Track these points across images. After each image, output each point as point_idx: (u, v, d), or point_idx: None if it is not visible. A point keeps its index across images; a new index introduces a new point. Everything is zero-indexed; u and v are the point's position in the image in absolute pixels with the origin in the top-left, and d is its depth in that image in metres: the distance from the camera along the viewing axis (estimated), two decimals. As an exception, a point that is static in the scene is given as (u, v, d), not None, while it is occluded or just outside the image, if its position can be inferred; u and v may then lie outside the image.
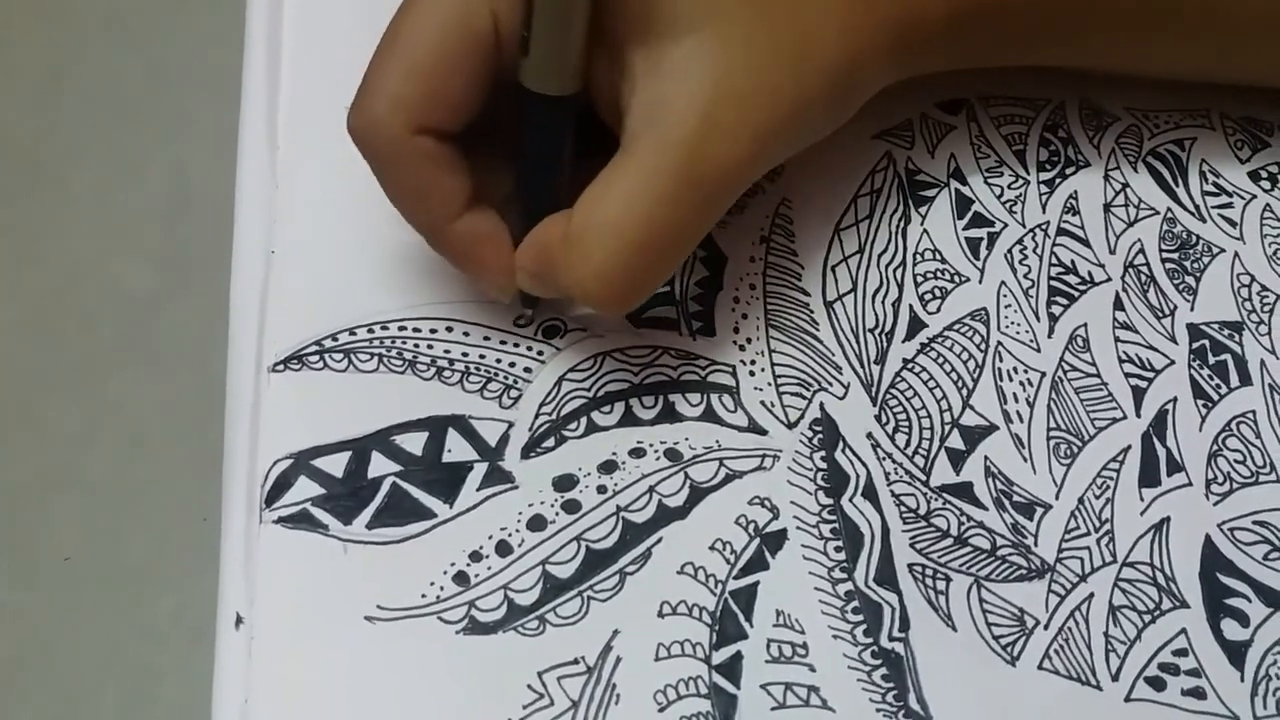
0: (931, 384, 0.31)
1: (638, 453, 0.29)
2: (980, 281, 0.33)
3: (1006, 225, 0.34)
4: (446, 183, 0.27)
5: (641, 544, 0.28)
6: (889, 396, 0.31)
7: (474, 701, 0.26)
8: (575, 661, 0.27)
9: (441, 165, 0.27)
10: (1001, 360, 0.32)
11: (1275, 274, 0.34)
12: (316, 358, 0.30)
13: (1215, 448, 0.31)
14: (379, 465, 0.28)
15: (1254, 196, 0.35)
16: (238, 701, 0.26)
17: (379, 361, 0.30)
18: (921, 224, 0.33)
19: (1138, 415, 0.31)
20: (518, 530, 0.28)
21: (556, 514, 0.28)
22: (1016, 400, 0.31)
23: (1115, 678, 0.28)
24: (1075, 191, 0.34)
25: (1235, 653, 0.28)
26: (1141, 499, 0.30)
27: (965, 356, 0.32)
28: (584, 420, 0.29)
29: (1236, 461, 0.31)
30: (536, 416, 0.29)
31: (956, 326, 0.32)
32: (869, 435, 0.30)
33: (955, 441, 0.30)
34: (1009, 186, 0.34)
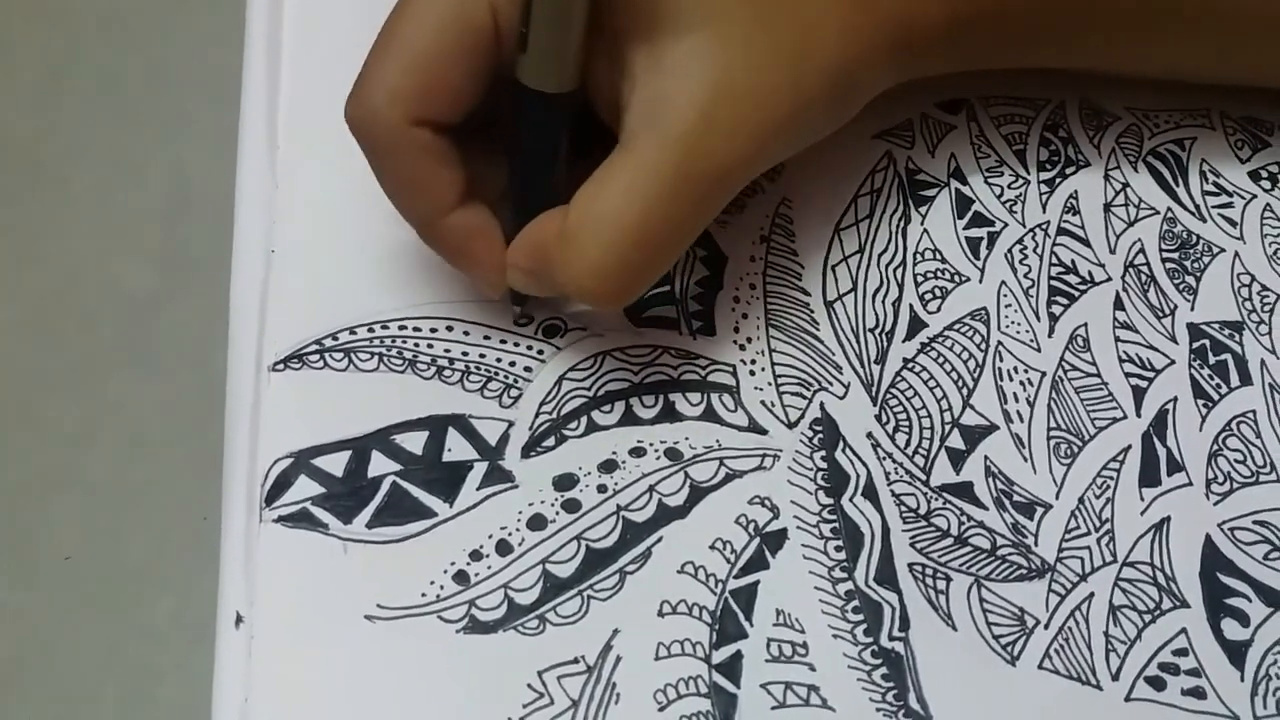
0: (932, 384, 0.31)
1: (638, 452, 0.29)
2: (980, 281, 0.33)
3: (1007, 225, 0.34)
4: (441, 175, 0.27)
5: (642, 543, 0.28)
6: (889, 396, 0.31)
7: (474, 700, 0.26)
8: (575, 661, 0.27)
9: (437, 158, 0.27)
10: (1002, 360, 0.32)
11: (1275, 274, 0.34)
12: (316, 357, 0.30)
13: (1215, 447, 0.31)
14: (379, 464, 0.28)
15: (1254, 196, 0.35)
16: (238, 700, 0.26)
17: (379, 361, 0.30)
18: (922, 224, 0.33)
19: (1138, 415, 0.31)
20: (518, 529, 0.28)
21: (557, 513, 0.28)
22: (1017, 400, 0.31)
23: (1115, 677, 0.28)
24: (1075, 191, 0.34)
25: (1235, 652, 0.28)
26: (1142, 499, 0.30)
27: (965, 356, 0.32)
28: (584, 419, 0.29)
29: (1237, 461, 0.31)
30: (537, 416, 0.29)
31: (957, 326, 0.32)
32: (869, 435, 0.30)
33: (955, 441, 0.30)
34: (1009, 186, 0.34)
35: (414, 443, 0.29)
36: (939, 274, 0.33)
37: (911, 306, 0.32)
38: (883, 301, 0.32)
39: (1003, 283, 0.33)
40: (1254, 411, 0.32)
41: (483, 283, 0.29)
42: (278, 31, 0.34)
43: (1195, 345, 0.32)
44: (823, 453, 0.30)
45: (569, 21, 0.26)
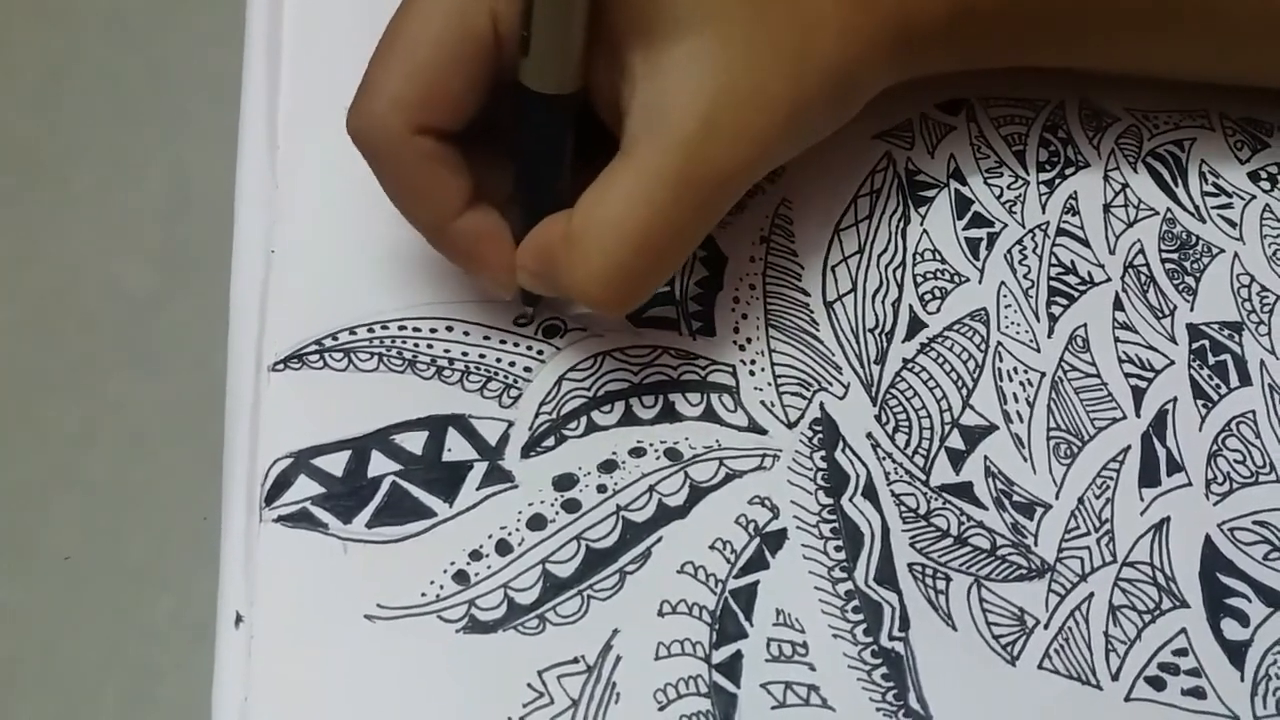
0: (931, 384, 0.31)
1: (638, 452, 0.29)
2: (980, 282, 0.33)
3: (1006, 225, 0.34)
4: (447, 182, 0.27)
5: (641, 543, 0.28)
6: (889, 396, 0.31)
7: (474, 700, 0.26)
8: (575, 660, 0.27)
9: (442, 164, 0.27)
10: (1001, 360, 0.32)
11: (1275, 274, 0.34)
12: (316, 357, 0.30)
13: (1215, 448, 0.31)
14: (379, 464, 0.28)
15: (1254, 197, 0.35)
16: (237, 700, 0.26)
17: (379, 361, 0.30)
18: (921, 224, 0.33)
19: (1137, 415, 0.31)
20: (518, 529, 0.28)
21: (556, 513, 0.28)
22: (1016, 400, 0.31)
23: (1115, 677, 0.28)
24: (1075, 192, 0.34)
25: (1235, 652, 0.29)
26: (1141, 499, 0.30)
27: (965, 356, 0.32)
28: (584, 420, 0.29)
29: (1236, 461, 0.31)
30: (536, 416, 0.29)
31: (956, 326, 0.32)
32: (869, 435, 0.30)
33: (955, 441, 0.30)
34: (1009, 187, 0.34)
35: (414, 443, 0.29)
36: (938, 274, 0.33)
37: (911, 307, 0.32)
38: (882, 302, 0.32)
39: (1002, 283, 0.33)
40: (1253, 412, 0.32)
41: (494, 284, 0.29)
42: (278, 31, 0.34)
43: (1195, 346, 0.32)
44: (822, 453, 0.30)
45: (570, 23, 0.26)
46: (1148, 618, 0.29)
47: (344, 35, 0.33)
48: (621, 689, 0.27)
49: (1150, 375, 0.32)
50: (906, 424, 0.30)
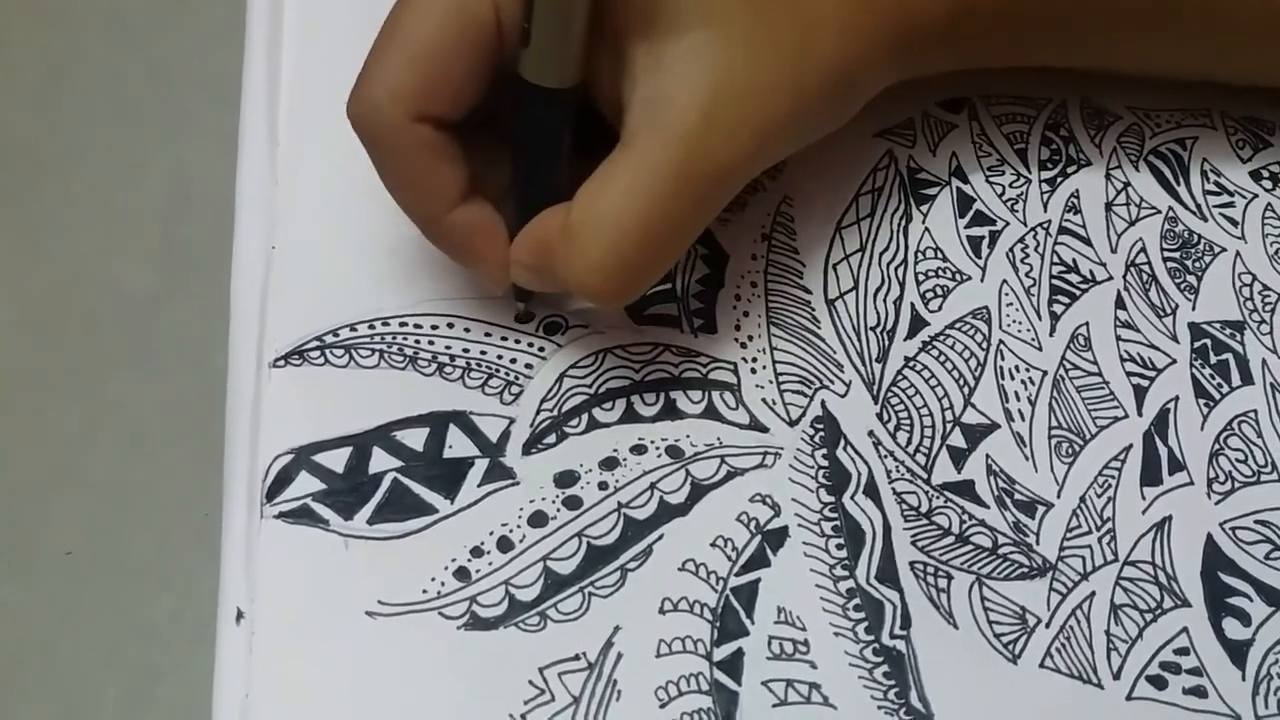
0: (933, 382, 0.31)
1: (639, 449, 0.29)
2: (982, 280, 0.33)
3: (1008, 224, 0.34)
4: (444, 172, 0.27)
5: (643, 540, 0.28)
6: (890, 394, 0.31)
7: (475, 697, 0.26)
8: (576, 657, 0.27)
9: (439, 154, 0.27)
10: (1003, 359, 0.32)
11: (1276, 273, 0.34)
12: (318, 353, 0.30)
13: (1217, 447, 0.31)
14: (380, 461, 0.28)
15: (1255, 196, 0.35)
16: (238, 697, 0.26)
17: (380, 357, 0.30)
18: (923, 222, 0.33)
19: (1139, 414, 0.31)
20: (519, 526, 0.28)
21: (558, 510, 0.28)
22: (1018, 399, 0.31)
23: (1116, 676, 0.28)
24: (1077, 190, 0.34)
25: (1237, 652, 0.28)
26: (1143, 498, 0.30)
27: (967, 355, 0.32)
28: (585, 417, 0.29)
29: (1238, 460, 0.31)
30: (538, 413, 0.29)
31: (958, 325, 0.32)
32: (870, 433, 0.30)
33: (957, 440, 0.30)
34: (1010, 185, 0.34)
35: (415, 439, 0.29)
36: (940, 272, 0.33)
37: (913, 305, 0.32)
38: (884, 300, 0.32)
39: (1004, 281, 0.33)
40: (1255, 411, 0.32)
41: (487, 278, 0.29)
42: (278, 30, 0.34)
43: (1196, 344, 0.32)
44: (824, 451, 0.30)
45: (571, 17, 0.26)
46: (1149, 617, 0.29)
47: (345, 33, 0.33)
48: (623, 686, 0.27)
49: (1152, 374, 0.32)
50: (908, 422, 0.30)
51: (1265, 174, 0.35)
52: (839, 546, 0.29)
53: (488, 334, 0.30)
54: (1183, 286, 0.33)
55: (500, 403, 0.29)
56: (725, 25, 0.27)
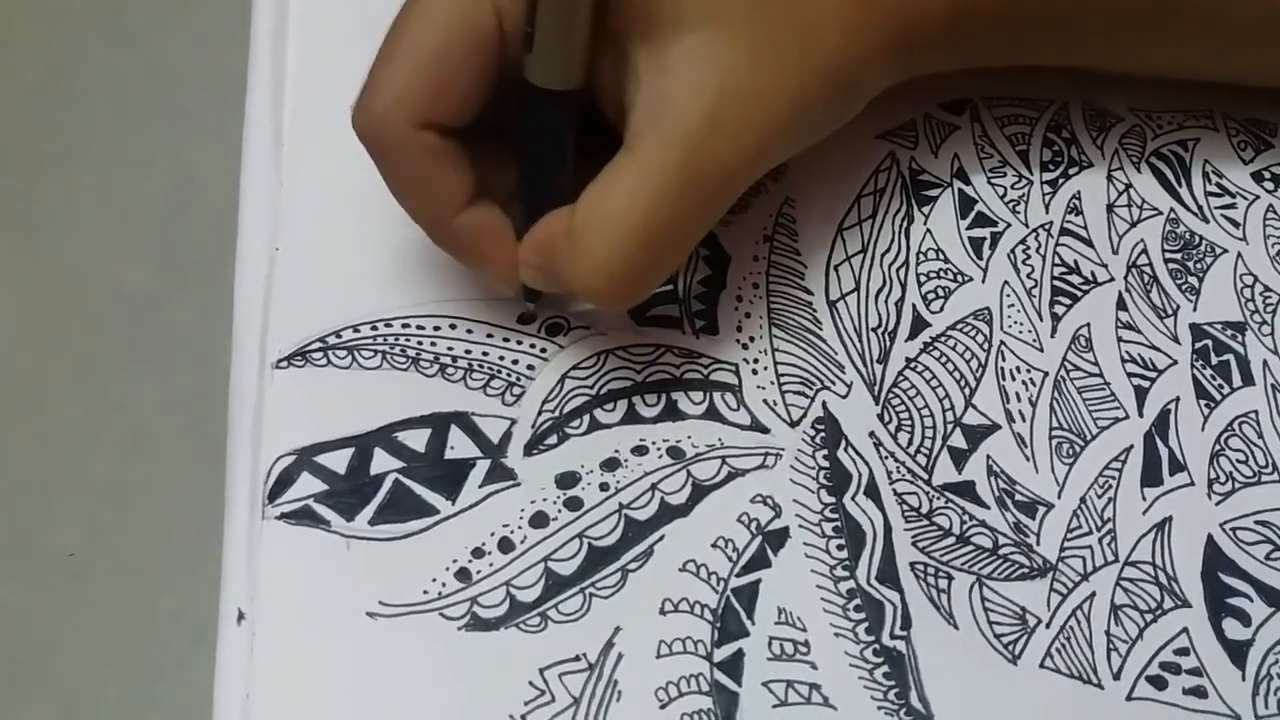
0: (934, 383, 0.31)
1: (640, 450, 0.29)
2: (983, 281, 0.33)
3: (1010, 225, 0.34)
4: (450, 178, 0.27)
5: (644, 541, 0.28)
6: (891, 395, 0.31)
7: (476, 698, 0.26)
8: (577, 658, 0.27)
9: (445, 160, 0.27)
10: (1004, 360, 0.32)
11: (1278, 275, 0.34)
12: (320, 354, 0.30)
13: (1217, 447, 0.31)
14: (381, 462, 0.28)
15: (1257, 197, 0.35)
16: (239, 697, 0.26)
17: (382, 358, 0.30)
18: (925, 223, 0.33)
19: (1140, 415, 0.31)
20: (520, 527, 0.28)
21: (559, 511, 0.28)
22: (1019, 399, 0.31)
23: (1117, 677, 0.28)
24: (1078, 192, 0.34)
25: (1237, 652, 0.28)
26: (1144, 498, 0.30)
27: (968, 356, 0.32)
28: (587, 418, 0.29)
29: (1239, 461, 0.31)
30: (539, 414, 0.29)
31: (959, 326, 0.32)
32: (871, 434, 0.30)
33: (957, 440, 0.30)
34: (1012, 186, 0.34)
35: (416, 440, 0.29)
36: (942, 274, 0.33)
37: (914, 306, 0.32)
38: (885, 301, 0.32)
39: (1005, 283, 0.33)
40: (1256, 412, 0.32)
41: (495, 280, 0.29)
42: (283, 29, 0.34)
43: (1198, 345, 0.32)
44: (825, 451, 0.30)
45: (574, 20, 0.26)
46: (1149, 617, 0.29)
47: (349, 32, 0.33)
48: (623, 687, 0.27)
49: (1153, 375, 0.32)
50: (909, 423, 0.30)
51: (1267, 175, 0.35)
52: (840, 547, 0.29)
53: (490, 335, 0.30)
54: (1184, 288, 0.33)
55: (502, 404, 0.29)
56: (727, 26, 0.27)
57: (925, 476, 0.30)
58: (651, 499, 0.29)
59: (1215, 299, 0.33)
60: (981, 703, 0.27)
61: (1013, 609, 0.28)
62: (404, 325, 0.30)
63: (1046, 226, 0.34)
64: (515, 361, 0.30)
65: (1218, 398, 0.32)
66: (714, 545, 0.28)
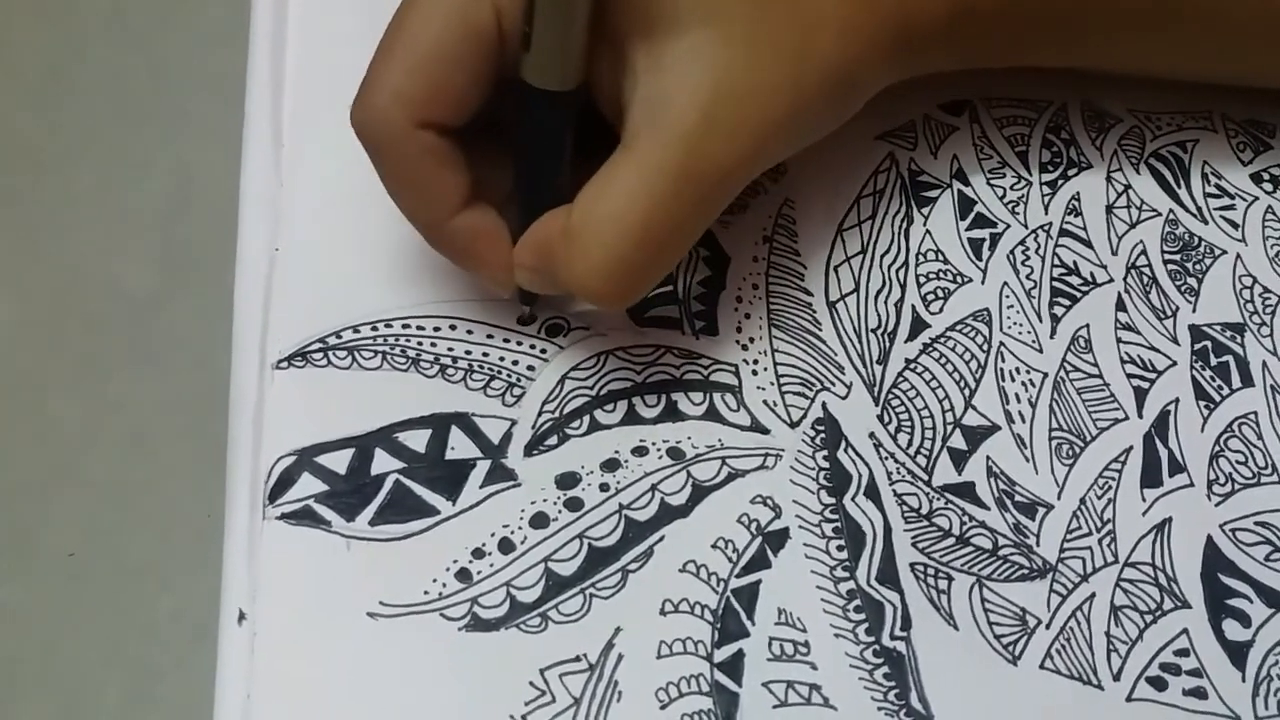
0: (934, 384, 0.31)
1: (640, 451, 0.29)
2: (983, 282, 0.33)
3: (1009, 226, 0.34)
4: (446, 178, 0.27)
5: (644, 542, 0.28)
6: (891, 396, 0.31)
7: (476, 698, 0.26)
8: (577, 659, 0.27)
9: (442, 160, 0.27)
10: (1004, 361, 0.32)
11: (1277, 276, 0.34)
12: (320, 355, 0.30)
13: (1217, 449, 0.31)
14: (382, 462, 0.28)
15: (1256, 199, 0.35)
16: (240, 697, 0.26)
17: (383, 359, 0.30)
18: (924, 225, 0.33)
19: (1140, 416, 0.31)
20: (520, 528, 0.28)
21: (559, 512, 0.28)
22: (1019, 400, 0.31)
23: (1117, 677, 0.28)
24: (1078, 193, 0.35)
25: (1237, 653, 0.29)
26: (1143, 499, 0.30)
27: (967, 357, 0.32)
28: (587, 418, 0.30)
29: (1238, 462, 0.31)
30: (539, 414, 0.29)
31: (959, 327, 0.32)
32: (871, 435, 0.30)
33: (957, 441, 0.30)
34: (1011, 187, 0.34)
35: (417, 441, 0.29)
36: (941, 275, 0.33)
37: (914, 307, 0.32)
38: (885, 302, 0.32)
39: (1005, 284, 0.33)
40: (1255, 413, 0.32)
41: (490, 282, 0.29)
42: (283, 29, 0.34)
43: (1197, 347, 0.32)
44: (825, 452, 0.30)
45: (572, 20, 0.26)
46: (1149, 618, 0.29)
47: (349, 32, 0.33)
48: (623, 687, 0.27)
49: (1152, 376, 0.32)
50: (909, 424, 0.30)
51: (1266, 176, 0.36)
52: (840, 548, 0.29)
53: (490, 336, 0.30)
54: (1183, 289, 0.33)
55: (502, 404, 0.29)
56: (725, 25, 0.27)
57: (925, 477, 0.30)
58: (651, 499, 0.29)
59: (1214, 300, 0.33)
60: (981, 703, 0.27)
61: (1013, 610, 0.28)
62: (404, 326, 0.30)
63: (1046, 227, 0.34)
64: (515, 362, 0.30)
65: (1217, 399, 0.32)
66: (714, 546, 0.28)
